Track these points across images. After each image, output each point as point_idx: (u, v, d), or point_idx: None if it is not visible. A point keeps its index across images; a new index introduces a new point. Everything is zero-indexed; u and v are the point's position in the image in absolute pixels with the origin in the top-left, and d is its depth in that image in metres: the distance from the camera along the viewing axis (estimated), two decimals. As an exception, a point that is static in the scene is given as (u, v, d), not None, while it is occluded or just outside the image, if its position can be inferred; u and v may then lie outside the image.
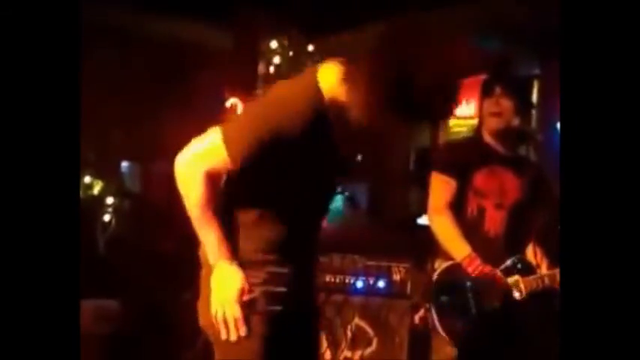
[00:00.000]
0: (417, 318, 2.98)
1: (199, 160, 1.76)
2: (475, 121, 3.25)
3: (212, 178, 1.77)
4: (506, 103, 2.87)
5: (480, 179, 2.87)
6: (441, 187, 2.87)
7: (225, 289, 1.74)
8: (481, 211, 2.87)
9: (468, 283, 2.80)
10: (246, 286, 1.74)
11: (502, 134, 2.90)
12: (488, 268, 2.78)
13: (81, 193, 6.60)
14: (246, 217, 1.81)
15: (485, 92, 2.91)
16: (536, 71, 6.53)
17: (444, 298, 2.84)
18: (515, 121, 2.90)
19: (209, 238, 1.78)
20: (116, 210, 6.40)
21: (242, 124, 1.80)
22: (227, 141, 1.72)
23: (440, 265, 2.86)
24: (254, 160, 1.73)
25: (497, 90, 2.87)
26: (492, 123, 2.89)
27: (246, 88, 5.34)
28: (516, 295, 2.81)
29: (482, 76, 3.22)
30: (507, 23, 6.15)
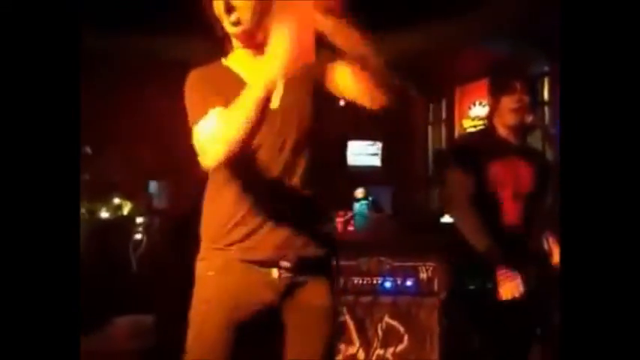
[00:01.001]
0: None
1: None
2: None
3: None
4: (526, 99, 2.98)
5: (496, 171, 2.95)
6: (459, 181, 2.95)
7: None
8: (499, 202, 2.94)
9: (489, 273, 2.87)
10: None
11: (518, 128, 3.01)
12: (508, 268, 2.85)
13: (111, 214, 6.79)
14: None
15: (505, 89, 3.00)
16: (547, 69, 6.62)
17: (466, 287, 2.94)
18: (530, 116, 3.00)
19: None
20: (146, 228, 6.57)
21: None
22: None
23: (462, 257, 2.95)
24: None
25: (518, 86, 2.98)
26: (511, 118, 2.98)
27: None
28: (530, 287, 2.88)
29: (493, 77, 3.34)
30: (520, 23, 6.23)
